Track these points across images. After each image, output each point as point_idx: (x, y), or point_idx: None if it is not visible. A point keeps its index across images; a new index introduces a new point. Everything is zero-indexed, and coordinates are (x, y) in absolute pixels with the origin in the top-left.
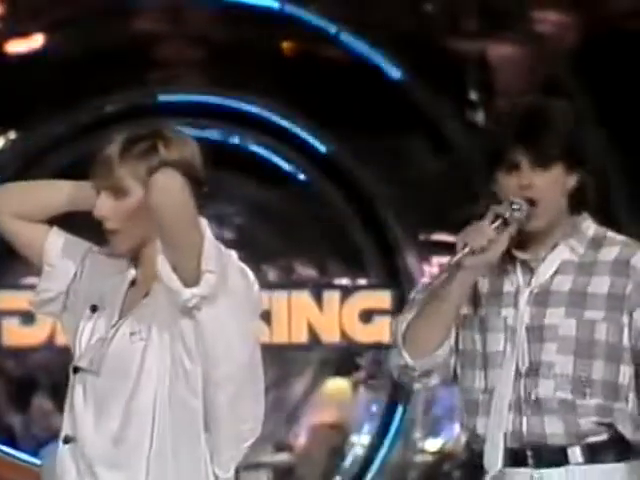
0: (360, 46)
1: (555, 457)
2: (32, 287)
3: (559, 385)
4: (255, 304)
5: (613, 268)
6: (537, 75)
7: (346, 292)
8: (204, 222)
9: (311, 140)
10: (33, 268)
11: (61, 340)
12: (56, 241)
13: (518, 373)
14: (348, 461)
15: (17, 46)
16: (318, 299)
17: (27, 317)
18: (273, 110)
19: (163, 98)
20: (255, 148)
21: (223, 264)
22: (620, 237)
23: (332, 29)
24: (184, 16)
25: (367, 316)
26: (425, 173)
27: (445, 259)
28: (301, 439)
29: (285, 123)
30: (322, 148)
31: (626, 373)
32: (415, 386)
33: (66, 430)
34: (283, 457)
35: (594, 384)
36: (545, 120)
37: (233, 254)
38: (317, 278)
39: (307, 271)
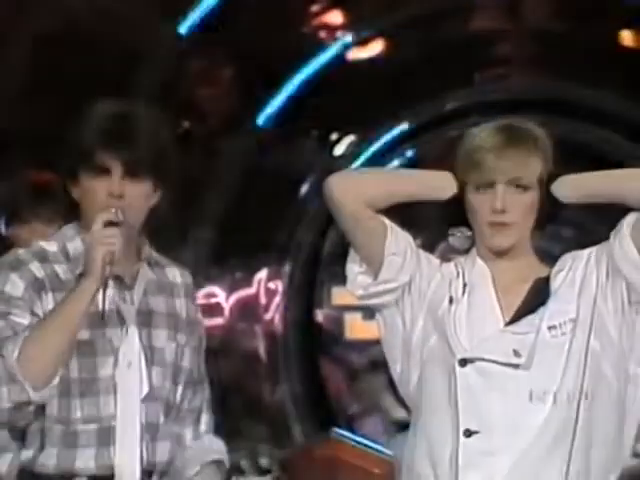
0: None
1: None
2: None
3: (163, 410)
4: None
5: (185, 291)
6: None
7: None
8: None
9: None
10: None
11: None
12: (396, 232)
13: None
14: None
15: (357, 53)
16: None
17: (368, 312)
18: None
19: (496, 95)
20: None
21: None
22: (163, 258)
23: None
24: (517, 14)
25: None
26: None
27: None
28: None
29: None
30: None
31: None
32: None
33: (468, 424)
34: None
35: (178, 408)
36: (136, 128)
37: None
38: None
39: None
